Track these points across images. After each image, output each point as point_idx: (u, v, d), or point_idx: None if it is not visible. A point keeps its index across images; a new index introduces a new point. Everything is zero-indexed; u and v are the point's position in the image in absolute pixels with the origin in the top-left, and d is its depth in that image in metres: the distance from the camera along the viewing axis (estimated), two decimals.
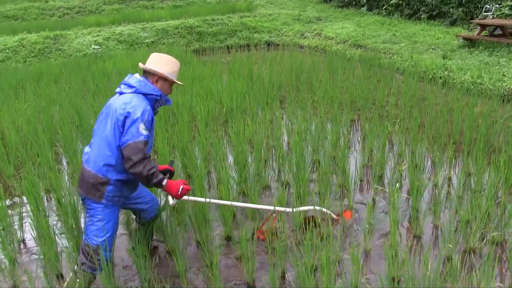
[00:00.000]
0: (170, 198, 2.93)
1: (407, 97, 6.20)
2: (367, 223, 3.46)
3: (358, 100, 6.29)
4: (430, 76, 7.39)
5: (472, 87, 6.57)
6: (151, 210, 3.21)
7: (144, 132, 2.63)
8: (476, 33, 9.18)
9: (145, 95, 2.76)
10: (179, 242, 3.19)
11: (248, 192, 3.82)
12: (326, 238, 2.95)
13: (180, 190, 2.81)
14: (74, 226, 3.36)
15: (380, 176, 4.30)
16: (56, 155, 5.09)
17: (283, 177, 4.37)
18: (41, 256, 3.13)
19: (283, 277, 3.01)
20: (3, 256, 3.25)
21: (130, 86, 2.76)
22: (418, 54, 8.95)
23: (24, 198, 4.04)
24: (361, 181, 4.30)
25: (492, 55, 8.14)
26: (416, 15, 12.84)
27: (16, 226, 3.69)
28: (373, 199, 3.93)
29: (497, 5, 10.20)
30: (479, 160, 4.00)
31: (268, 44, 12.47)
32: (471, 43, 9.14)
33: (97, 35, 11.98)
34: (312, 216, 3.47)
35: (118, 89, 2.82)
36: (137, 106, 2.65)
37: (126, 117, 2.63)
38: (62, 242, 3.35)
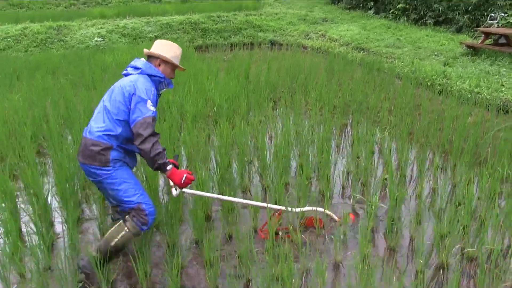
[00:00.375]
0: (173, 189, 3.00)
1: (402, 103, 6.11)
2: (341, 233, 3.39)
3: (352, 104, 6.20)
4: (429, 83, 7.27)
5: (469, 96, 6.46)
6: None
7: (152, 108, 2.79)
8: (480, 41, 9.04)
9: (150, 76, 2.94)
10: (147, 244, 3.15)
11: (226, 194, 3.76)
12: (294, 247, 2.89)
13: (183, 179, 2.86)
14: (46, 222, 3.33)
15: (363, 184, 4.21)
16: (42, 148, 5.07)
17: (264, 181, 4.30)
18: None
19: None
20: None
21: (136, 68, 2.96)
22: (420, 59, 8.82)
23: None
24: (342, 188, 4.21)
25: (494, 64, 8.00)
26: (422, 20, 12.68)
27: None
28: (353, 208, 3.85)
29: (503, 14, 10.04)
30: (465, 171, 3.91)
31: (272, 43, 12.37)
32: (474, 51, 9.00)
33: (101, 28, 11.95)
34: (312, 217, 3.45)
35: (124, 71, 3.02)
36: (143, 84, 2.84)
37: (132, 94, 2.78)
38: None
